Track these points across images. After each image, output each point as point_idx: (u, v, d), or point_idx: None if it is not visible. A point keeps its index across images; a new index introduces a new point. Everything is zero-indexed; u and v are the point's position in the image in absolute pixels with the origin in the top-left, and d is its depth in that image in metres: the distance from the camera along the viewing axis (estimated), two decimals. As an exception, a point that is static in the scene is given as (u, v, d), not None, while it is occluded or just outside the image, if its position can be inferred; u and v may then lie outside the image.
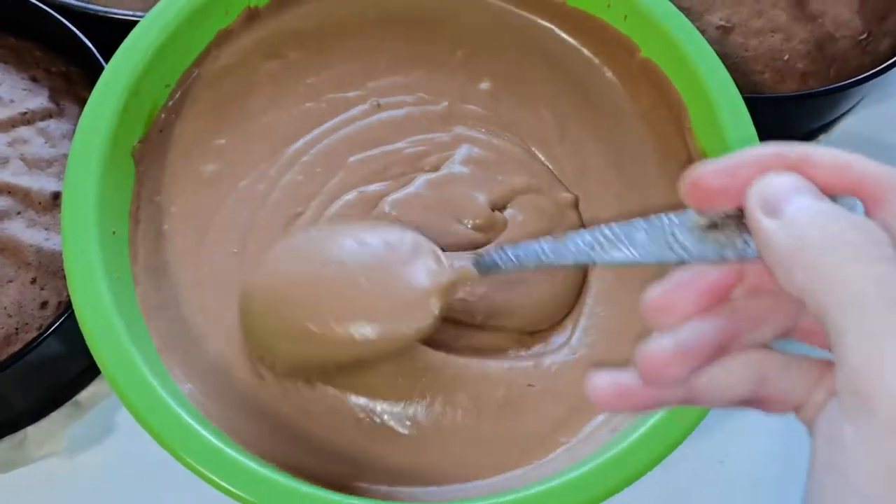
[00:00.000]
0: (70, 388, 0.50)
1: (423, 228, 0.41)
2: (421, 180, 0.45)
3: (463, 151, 0.46)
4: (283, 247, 0.41)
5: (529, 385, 0.42)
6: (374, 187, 0.45)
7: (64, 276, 0.45)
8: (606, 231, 0.28)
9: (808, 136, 0.61)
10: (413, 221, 0.43)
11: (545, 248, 0.32)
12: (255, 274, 0.41)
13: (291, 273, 0.39)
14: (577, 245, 0.30)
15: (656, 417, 0.37)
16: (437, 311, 0.37)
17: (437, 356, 0.41)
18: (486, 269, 0.36)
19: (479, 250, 0.41)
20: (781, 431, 0.51)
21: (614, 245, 0.28)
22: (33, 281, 0.45)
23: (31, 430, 0.49)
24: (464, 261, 0.37)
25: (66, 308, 0.44)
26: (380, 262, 0.38)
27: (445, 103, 0.48)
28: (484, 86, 0.49)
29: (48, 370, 0.47)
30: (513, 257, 0.34)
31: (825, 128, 0.61)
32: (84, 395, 0.50)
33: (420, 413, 0.41)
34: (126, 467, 0.48)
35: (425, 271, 0.37)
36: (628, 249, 0.27)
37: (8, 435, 0.48)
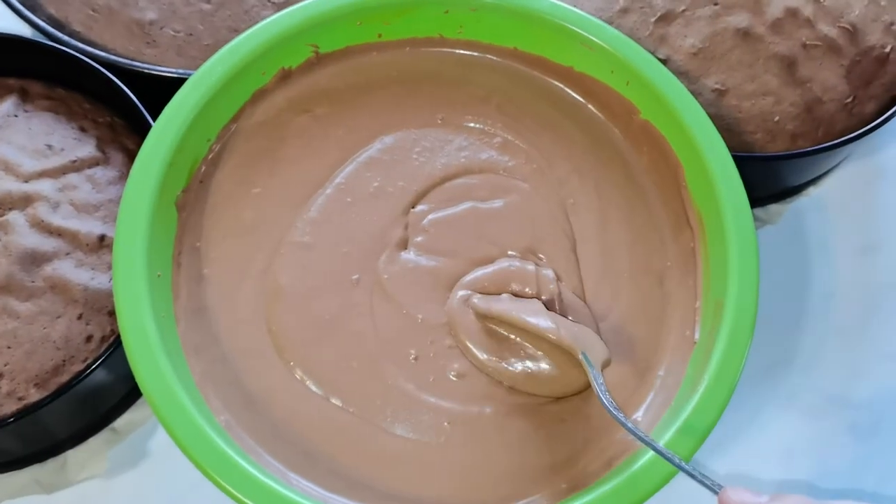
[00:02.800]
0: (108, 415, 0.53)
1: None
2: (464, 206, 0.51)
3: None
4: None
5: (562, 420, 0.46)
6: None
7: (108, 313, 0.50)
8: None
9: (799, 188, 0.65)
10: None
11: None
12: None
13: None
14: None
15: (648, 455, 0.41)
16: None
17: (470, 368, 0.46)
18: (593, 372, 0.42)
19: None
20: (773, 461, 0.55)
21: None
22: (80, 317, 0.49)
23: (71, 454, 0.53)
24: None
25: (112, 342, 0.48)
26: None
27: (466, 153, 0.52)
28: (499, 138, 0.54)
29: (91, 399, 0.51)
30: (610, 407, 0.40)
31: (814, 181, 0.65)
32: (120, 423, 0.54)
33: (437, 440, 0.44)
34: (159, 490, 0.52)
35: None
36: None
37: (51, 458, 0.52)
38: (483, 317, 0.47)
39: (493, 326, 0.47)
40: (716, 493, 0.35)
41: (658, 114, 0.52)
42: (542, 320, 0.45)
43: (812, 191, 0.65)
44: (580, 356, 0.43)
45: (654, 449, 0.38)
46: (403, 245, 0.49)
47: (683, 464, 0.37)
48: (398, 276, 0.48)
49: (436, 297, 0.48)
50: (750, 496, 0.34)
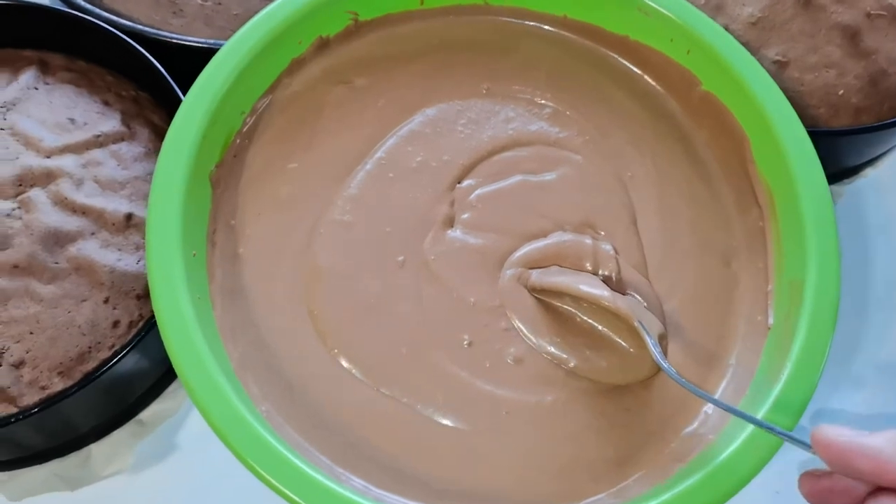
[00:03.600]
0: (134, 407, 0.50)
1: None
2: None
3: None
4: None
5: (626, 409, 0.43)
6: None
7: (136, 297, 0.47)
8: None
9: (857, 168, 0.62)
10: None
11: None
12: None
13: None
14: None
15: (726, 453, 0.38)
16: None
17: (528, 350, 0.43)
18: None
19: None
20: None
21: None
22: (106, 300, 0.46)
23: (95, 448, 0.50)
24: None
25: (142, 328, 0.45)
26: None
27: (514, 125, 0.49)
28: (549, 108, 0.50)
29: (117, 389, 0.48)
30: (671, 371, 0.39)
31: (872, 161, 0.62)
32: (146, 414, 0.51)
33: (494, 427, 0.41)
34: (187, 485, 0.49)
35: None
36: None
37: (73, 452, 0.49)
38: (538, 292, 0.44)
39: (552, 302, 0.44)
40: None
41: (722, 85, 0.48)
42: (595, 288, 0.42)
43: (869, 172, 0.62)
44: (636, 323, 0.41)
45: (734, 412, 0.36)
46: (449, 223, 0.46)
47: (776, 427, 0.35)
48: (445, 257, 0.45)
49: (487, 276, 0.45)
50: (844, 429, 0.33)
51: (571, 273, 0.44)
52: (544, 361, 0.43)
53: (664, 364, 0.39)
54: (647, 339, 0.40)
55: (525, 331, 0.43)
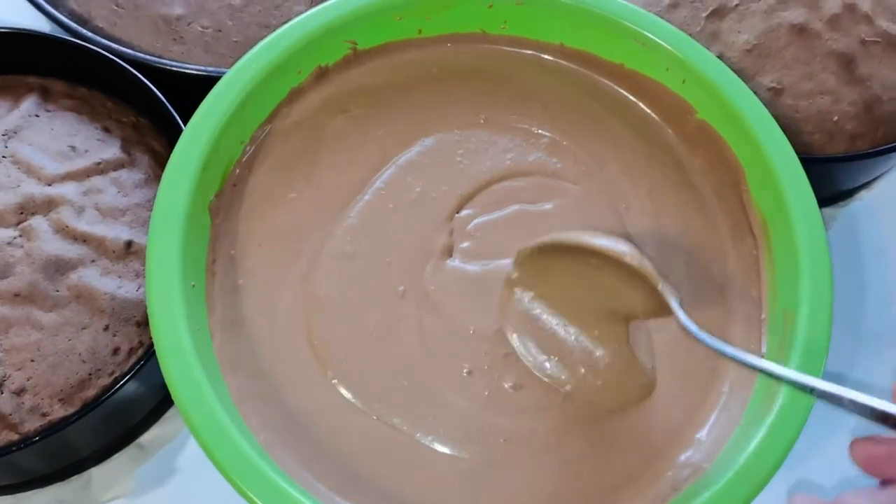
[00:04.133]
0: (134, 430, 0.51)
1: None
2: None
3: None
4: None
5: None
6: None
7: (136, 324, 0.47)
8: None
9: (851, 192, 0.62)
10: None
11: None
12: None
13: None
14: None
15: (724, 479, 0.38)
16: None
17: (526, 374, 0.43)
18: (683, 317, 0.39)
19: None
20: (840, 480, 0.52)
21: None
22: (106, 328, 0.47)
23: (96, 472, 0.50)
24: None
25: (143, 354, 0.46)
26: None
27: (511, 155, 0.50)
28: (546, 139, 0.51)
29: (117, 414, 0.48)
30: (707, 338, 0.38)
31: (867, 184, 0.63)
32: (146, 438, 0.51)
33: (493, 457, 0.42)
34: (189, 510, 0.49)
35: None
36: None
37: (73, 476, 0.49)
38: (544, 255, 0.43)
39: (547, 317, 0.44)
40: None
41: (717, 114, 0.49)
42: (616, 243, 0.40)
43: (864, 194, 0.63)
44: (660, 286, 0.39)
45: (766, 370, 0.35)
46: (448, 252, 0.47)
47: (819, 382, 0.33)
48: (445, 287, 0.45)
49: (486, 304, 0.45)
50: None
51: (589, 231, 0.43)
52: (542, 387, 0.43)
53: (689, 324, 0.38)
54: (672, 301, 0.39)
55: (522, 350, 0.44)
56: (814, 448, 0.53)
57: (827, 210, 0.61)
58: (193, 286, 0.42)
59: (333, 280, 0.45)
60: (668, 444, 0.43)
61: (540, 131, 0.51)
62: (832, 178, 0.58)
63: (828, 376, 0.54)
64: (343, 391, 0.42)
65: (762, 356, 0.44)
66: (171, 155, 0.44)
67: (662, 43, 0.50)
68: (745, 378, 0.44)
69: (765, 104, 0.51)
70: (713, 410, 0.44)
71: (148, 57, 0.53)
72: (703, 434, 0.43)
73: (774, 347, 0.43)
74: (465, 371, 0.43)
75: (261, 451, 0.39)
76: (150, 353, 0.46)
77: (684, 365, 0.45)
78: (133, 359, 0.47)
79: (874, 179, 0.63)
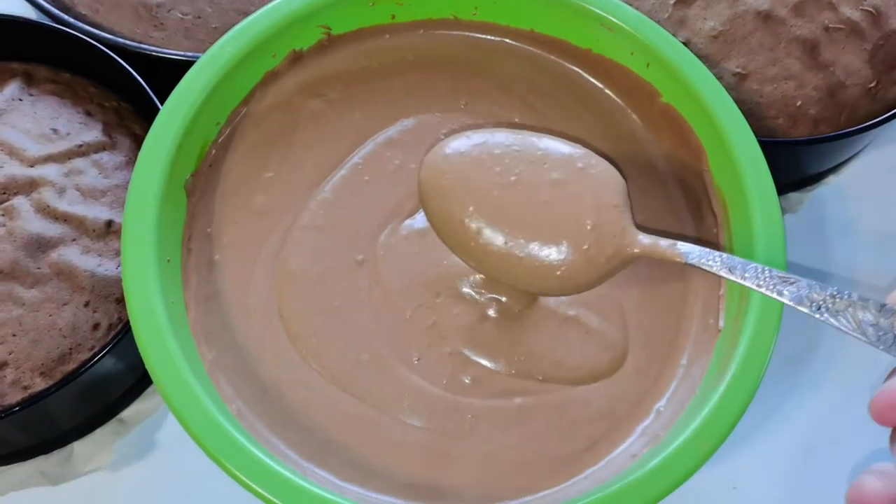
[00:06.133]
0: (115, 406, 0.52)
1: None
2: None
3: None
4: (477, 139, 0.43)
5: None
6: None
7: (115, 300, 0.48)
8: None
9: (819, 176, 0.63)
10: None
11: (768, 273, 0.37)
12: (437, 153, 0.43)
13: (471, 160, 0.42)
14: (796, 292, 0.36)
15: (674, 444, 0.40)
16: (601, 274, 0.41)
17: (486, 371, 0.44)
18: (691, 260, 0.40)
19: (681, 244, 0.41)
20: (794, 456, 0.54)
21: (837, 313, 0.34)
22: (87, 304, 0.48)
23: (78, 446, 0.51)
24: (668, 241, 0.41)
25: (120, 330, 0.47)
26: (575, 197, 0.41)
27: None
28: (517, 121, 0.52)
29: (97, 389, 0.49)
30: (719, 260, 0.39)
31: (835, 169, 0.64)
32: (127, 413, 0.53)
33: (459, 430, 0.43)
34: (167, 482, 0.51)
35: (623, 227, 0.41)
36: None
37: (56, 450, 0.51)
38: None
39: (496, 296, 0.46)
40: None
41: (680, 97, 0.50)
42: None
43: (832, 179, 0.64)
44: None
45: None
46: (411, 214, 0.48)
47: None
48: (393, 251, 0.46)
49: (423, 279, 0.46)
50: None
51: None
52: (507, 377, 0.45)
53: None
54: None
55: (478, 360, 0.45)
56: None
57: (795, 194, 0.63)
58: (168, 261, 0.44)
59: (304, 253, 0.46)
60: (630, 414, 0.44)
61: (517, 120, 0.52)
62: (797, 162, 0.60)
63: (796, 358, 0.56)
64: (311, 363, 0.44)
65: (719, 331, 0.45)
66: (147, 134, 0.45)
67: (627, 27, 0.51)
68: (702, 353, 0.45)
69: (730, 89, 0.53)
70: (672, 382, 0.45)
71: (129, 43, 0.55)
72: (662, 404, 0.45)
73: (730, 322, 0.45)
74: (415, 360, 0.44)
75: (233, 420, 0.40)
76: (128, 329, 0.47)
77: (645, 338, 0.46)
78: (112, 334, 0.48)
79: (841, 165, 0.64)
